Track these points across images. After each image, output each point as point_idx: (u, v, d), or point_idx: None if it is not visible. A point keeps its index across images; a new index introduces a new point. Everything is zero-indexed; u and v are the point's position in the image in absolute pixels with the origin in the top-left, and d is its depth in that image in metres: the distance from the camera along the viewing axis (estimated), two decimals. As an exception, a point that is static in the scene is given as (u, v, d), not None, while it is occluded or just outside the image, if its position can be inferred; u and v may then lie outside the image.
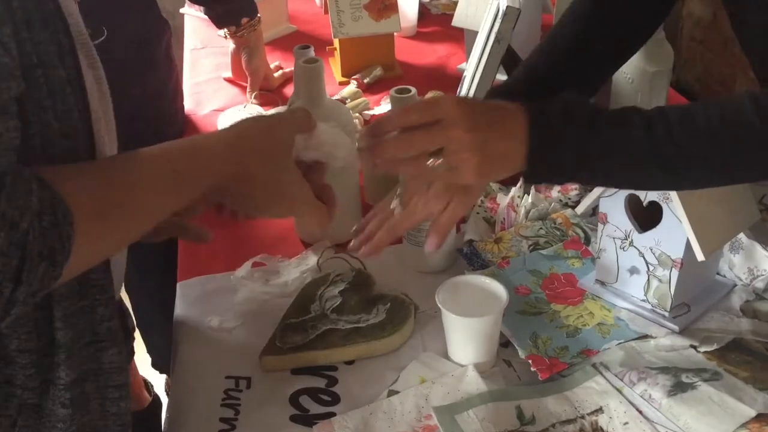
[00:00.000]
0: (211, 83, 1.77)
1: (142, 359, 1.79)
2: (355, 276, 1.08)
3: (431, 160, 0.78)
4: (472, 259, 1.13)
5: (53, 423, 0.70)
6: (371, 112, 1.59)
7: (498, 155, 0.78)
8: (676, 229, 0.93)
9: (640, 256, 0.99)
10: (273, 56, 1.81)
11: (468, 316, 0.92)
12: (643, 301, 1.01)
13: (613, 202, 0.99)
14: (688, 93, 1.74)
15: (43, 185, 0.57)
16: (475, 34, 1.49)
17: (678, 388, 0.88)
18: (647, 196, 0.95)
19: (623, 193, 0.97)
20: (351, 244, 0.97)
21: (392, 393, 0.92)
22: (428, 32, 1.97)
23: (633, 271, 1.00)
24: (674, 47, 1.47)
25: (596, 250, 1.04)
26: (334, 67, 1.79)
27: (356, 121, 1.49)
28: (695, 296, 1.01)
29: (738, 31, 1.01)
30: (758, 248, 1.03)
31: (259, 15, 1.64)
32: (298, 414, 0.92)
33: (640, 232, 0.98)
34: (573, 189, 1.21)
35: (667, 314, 0.99)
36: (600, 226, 1.02)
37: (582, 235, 1.15)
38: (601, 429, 0.87)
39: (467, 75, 1.43)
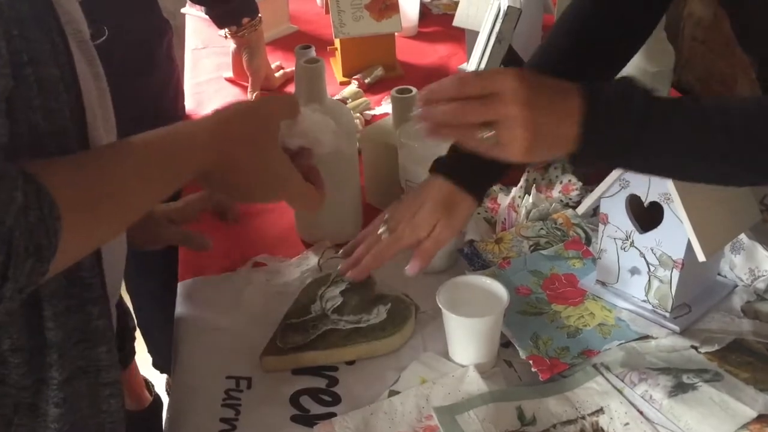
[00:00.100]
0: (212, 83, 1.77)
1: (143, 359, 1.79)
2: (356, 276, 1.08)
3: (482, 132, 0.76)
4: (472, 259, 1.13)
5: (47, 423, 0.70)
6: (372, 112, 1.58)
7: (550, 135, 0.77)
8: (677, 229, 0.93)
9: (641, 256, 0.99)
10: (274, 56, 1.81)
11: (469, 316, 0.92)
12: (644, 301, 1.01)
13: (613, 203, 0.99)
14: (689, 93, 1.73)
15: (29, 179, 0.57)
16: (476, 34, 1.49)
17: (679, 389, 0.88)
18: (648, 197, 0.95)
19: (624, 194, 0.97)
20: (339, 267, 1.03)
21: (393, 393, 0.92)
22: (429, 32, 1.97)
23: (634, 271, 1.00)
24: (675, 47, 1.47)
25: (597, 250, 1.04)
26: (335, 67, 1.79)
27: (357, 121, 1.49)
28: (696, 297, 1.01)
29: (738, 31, 1.01)
30: (759, 249, 1.03)
31: (260, 15, 1.64)
32: (299, 414, 0.92)
33: (641, 233, 0.97)
34: (574, 189, 1.20)
35: (667, 315, 0.99)
36: (601, 227, 1.02)
37: (583, 235, 1.15)
38: (602, 430, 0.87)
39: (468, 75, 1.43)
